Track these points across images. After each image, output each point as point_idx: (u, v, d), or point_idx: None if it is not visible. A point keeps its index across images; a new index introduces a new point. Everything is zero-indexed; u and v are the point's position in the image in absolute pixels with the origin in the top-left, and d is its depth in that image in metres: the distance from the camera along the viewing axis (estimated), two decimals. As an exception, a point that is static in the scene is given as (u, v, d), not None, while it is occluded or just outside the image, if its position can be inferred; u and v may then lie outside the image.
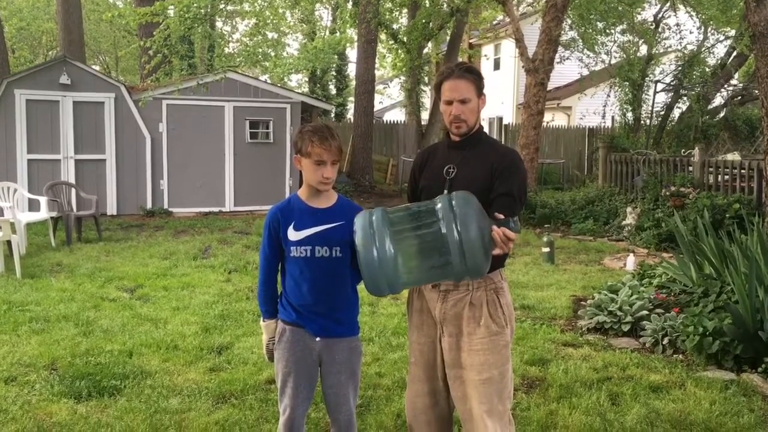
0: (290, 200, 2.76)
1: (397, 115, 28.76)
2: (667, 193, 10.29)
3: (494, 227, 2.29)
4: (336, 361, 2.73)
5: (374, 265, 2.25)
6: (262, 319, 2.83)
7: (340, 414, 2.76)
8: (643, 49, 16.16)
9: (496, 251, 2.30)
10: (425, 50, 19.75)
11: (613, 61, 16.72)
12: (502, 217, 2.34)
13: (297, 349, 2.71)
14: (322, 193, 2.72)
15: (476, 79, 2.72)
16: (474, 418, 2.60)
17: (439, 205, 2.30)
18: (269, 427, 3.60)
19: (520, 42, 12.59)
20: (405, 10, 18.57)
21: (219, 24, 25.34)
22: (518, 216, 2.59)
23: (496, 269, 2.64)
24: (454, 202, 2.28)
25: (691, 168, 10.80)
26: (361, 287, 2.90)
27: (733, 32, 15.05)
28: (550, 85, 13.96)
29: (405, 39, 16.75)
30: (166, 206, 12.76)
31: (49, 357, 4.65)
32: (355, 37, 19.57)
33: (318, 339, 2.71)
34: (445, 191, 2.65)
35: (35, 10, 26.20)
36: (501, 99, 24.49)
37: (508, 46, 21.71)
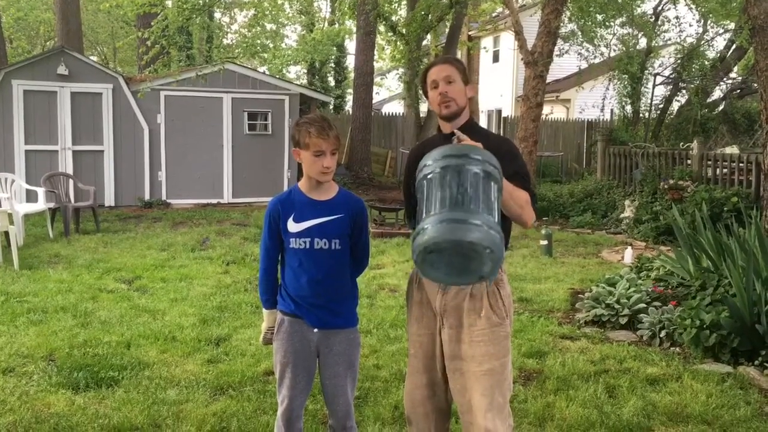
0: (291, 192, 2.77)
1: (396, 107, 28.70)
2: (666, 186, 10.29)
3: (455, 144, 2.37)
4: (334, 353, 2.74)
5: (489, 232, 2.13)
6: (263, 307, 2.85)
7: (337, 405, 2.77)
8: (643, 42, 16.11)
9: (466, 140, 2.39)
10: (424, 42, 19.69)
11: (613, 54, 16.69)
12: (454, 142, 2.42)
13: (295, 340, 2.72)
14: (323, 185, 2.72)
15: (460, 66, 2.76)
16: (473, 410, 2.60)
17: (435, 169, 2.26)
18: (267, 419, 3.61)
19: (519, 34, 12.55)
20: (404, 2, 18.50)
21: (217, 15, 25.22)
22: (532, 189, 2.63)
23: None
24: (439, 155, 2.28)
25: (689, 161, 10.80)
26: (359, 279, 2.91)
27: (732, 25, 15.02)
28: (549, 78, 13.91)
29: (404, 31, 16.68)
30: (164, 198, 12.74)
31: (47, 348, 4.66)
32: (354, 29, 19.53)
33: (316, 330, 2.71)
34: None
35: (33, 0, 26.08)
36: (500, 91, 24.45)
37: (508, 39, 21.68)
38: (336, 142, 2.65)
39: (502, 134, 18.20)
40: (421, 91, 2.94)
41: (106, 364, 4.36)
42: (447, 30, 19.00)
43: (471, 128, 2.74)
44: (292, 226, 2.69)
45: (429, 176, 2.26)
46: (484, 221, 2.13)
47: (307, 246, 2.68)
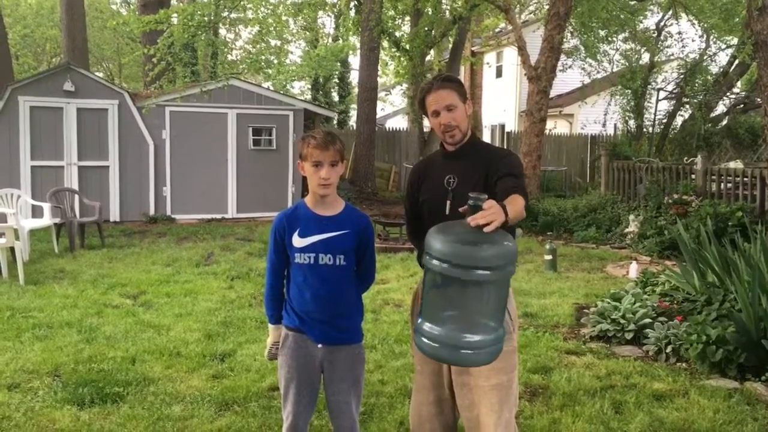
0: (296, 207, 2.78)
1: (400, 123, 28.80)
2: (670, 201, 10.28)
3: (469, 221, 2.13)
4: (338, 368, 2.73)
5: (479, 353, 2.17)
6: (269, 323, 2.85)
7: (342, 421, 2.77)
8: (646, 57, 16.17)
9: (489, 227, 2.11)
10: (428, 58, 19.79)
11: (615, 69, 16.74)
12: (464, 209, 2.20)
13: (299, 356, 2.72)
14: (328, 200, 2.72)
15: (457, 86, 2.70)
16: (481, 426, 2.59)
17: (435, 268, 2.14)
18: (272, 435, 3.60)
19: (522, 50, 12.62)
20: (408, 18, 18.62)
21: (222, 31, 25.41)
22: (524, 186, 2.53)
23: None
24: (435, 254, 2.13)
25: (693, 176, 10.80)
26: (365, 295, 2.91)
27: (735, 40, 15.07)
28: (553, 93, 13.99)
29: (407, 46, 16.79)
30: (168, 213, 12.77)
31: (53, 364, 4.66)
32: (358, 45, 19.63)
33: (320, 346, 2.71)
34: (448, 201, 2.66)
35: (39, 17, 26.33)
36: (503, 106, 24.52)
37: (511, 54, 21.75)
38: (336, 154, 2.64)
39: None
40: (418, 109, 2.90)
41: (111, 379, 4.36)
42: (450, 45, 19.10)
43: (474, 145, 2.75)
44: (297, 241, 2.70)
45: (437, 274, 2.14)
46: (481, 344, 2.15)
47: (312, 261, 2.68)
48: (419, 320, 2.25)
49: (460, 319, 2.14)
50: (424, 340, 2.19)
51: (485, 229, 2.10)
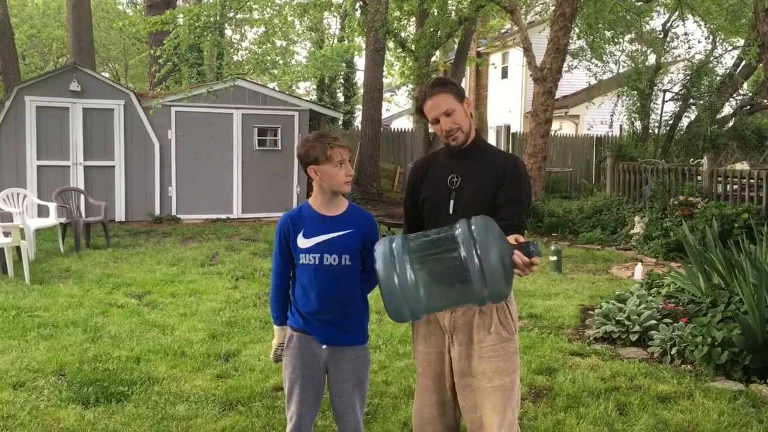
0: (301, 208, 2.78)
1: (405, 123, 28.78)
2: (676, 203, 10.25)
3: (515, 251, 2.24)
4: (342, 369, 2.73)
5: (396, 292, 2.19)
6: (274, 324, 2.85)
7: (346, 422, 2.77)
8: (652, 59, 16.14)
9: (520, 274, 2.26)
10: (433, 58, 19.77)
11: (622, 70, 16.71)
12: (522, 240, 2.32)
13: (304, 357, 2.72)
14: (334, 201, 2.73)
15: (451, 88, 2.69)
16: (485, 427, 2.59)
17: (458, 231, 2.24)
18: (276, 435, 3.60)
19: (528, 51, 12.61)
20: (413, 19, 18.61)
21: (228, 32, 25.47)
22: (525, 219, 2.61)
23: None
24: (473, 227, 2.22)
25: (699, 177, 10.76)
26: (370, 295, 2.91)
27: (741, 42, 15.03)
28: (558, 94, 13.97)
29: (413, 47, 16.76)
30: (174, 213, 12.80)
31: (57, 363, 4.67)
32: (363, 45, 19.63)
33: (324, 347, 2.71)
34: (451, 201, 2.65)
35: (46, 18, 26.42)
36: (509, 107, 24.49)
37: (516, 55, 21.73)
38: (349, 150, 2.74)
39: (510, 150, 18.25)
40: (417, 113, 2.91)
41: (116, 379, 4.37)
42: (456, 46, 19.09)
43: (478, 145, 2.75)
44: (302, 242, 2.70)
45: (460, 232, 2.24)
46: (414, 299, 2.21)
47: (317, 262, 2.68)
48: (402, 238, 2.29)
49: (427, 276, 2.21)
50: (386, 254, 2.23)
51: (515, 272, 2.26)
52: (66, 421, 3.76)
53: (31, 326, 5.54)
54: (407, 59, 17.66)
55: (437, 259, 2.24)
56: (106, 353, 4.90)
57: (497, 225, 2.29)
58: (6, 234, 7.51)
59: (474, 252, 2.17)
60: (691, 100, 15.09)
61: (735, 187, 10.07)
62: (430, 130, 18.02)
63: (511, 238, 2.33)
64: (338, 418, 2.79)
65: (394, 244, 2.26)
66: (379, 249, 2.27)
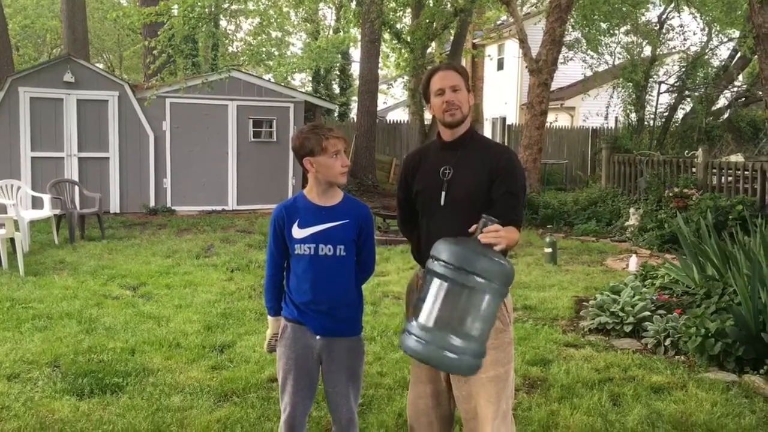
0: (296, 199, 2.78)
1: (400, 115, 28.74)
2: (670, 195, 10.27)
3: (479, 238, 2.31)
4: (336, 360, 2.73)
5: (461, 360, 2.26)
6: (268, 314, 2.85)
7: (340, 413, 2.77)
8: (647, 50, 16.12)
9: (497, 247, 2.32)
10: (429, 50, 19.72)
11: (617, 62, 16.70)
12: (474, 228, 2.37)
13: (298, 347, 2.72)
14: (329, 192, 2.73)
15: (464, 74, 2.74)
16: (479, 417, 2.60)
17: (440, 273, 2.28)
18: (270, 426, 3.61)
19: (523, 42, 12.58)
20: (409, 10, 18.55)
21: (223, 23, 25.33)
22: (521, 213, 2.64)
23: None
24: (444, 259, 2.28)
25: (694, 169, 10.78)
26: (365, 287, 2.91)
27: (736, 33, 15.02)
28: (554, 86, 13.94)
29: (408, 39, 16.73)
30: (169, 205, 12.78)
31: (52, 354, 4.67)
32: (359, 37, 19.58)
33: (318, 337, 2.71)
34: (443, 193, 2.65)
35: (40, 8, 26.24)
36: (504, 99, 24.47)
37: (512, 47, 21.68)
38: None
39: (506, 142, 18.25)
40: (422, 95, 2.93)
41: (111, 370, 4.37)
42: (452, 38, 19.05)
43: (471, 138, 2.74)
44: (297, 233, 2.69)
45: (435, 275, 2.30)
46: (463, 351, 2.25)
47: (312, 252, 2.68)
48: (410, 322, 2.34)
49: (449, 323, 2.26)
50: (412, 337, 2.29)
51: (495, 248, 2.30)
52: (60, 413, 3.76)
53: (26, 318, 5.53)
54: (403, 51, 17.63)
55: (452, 308, 2.27)
56: (100, 345, 4.90)
57: (450, 238, 2.36)
58: (0, 226, 7.48)
59: (466, 275, 2.23)
60: (687, 92, 15.08)
61: (730, 179, 10.09)
62: (426, 122, 18.02)
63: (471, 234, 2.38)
64: (332, 408, 2.79)
65: (414, 332, 2.30)
66: (410, 345, 2.30)
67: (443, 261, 2.28)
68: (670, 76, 15.74)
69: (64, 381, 4.18)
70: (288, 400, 2.74)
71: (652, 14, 16.67)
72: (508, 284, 2.33)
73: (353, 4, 18.71)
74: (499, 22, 25.26)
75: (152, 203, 12.64)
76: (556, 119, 21.06)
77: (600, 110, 16.04)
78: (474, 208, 2.55)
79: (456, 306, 2.25)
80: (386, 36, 17.86)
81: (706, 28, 15.70)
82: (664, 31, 16.00)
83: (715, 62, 15.89)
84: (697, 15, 15.19)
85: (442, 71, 2.71)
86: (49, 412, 3.78)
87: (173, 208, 12.77)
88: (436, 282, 2.29)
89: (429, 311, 2.28)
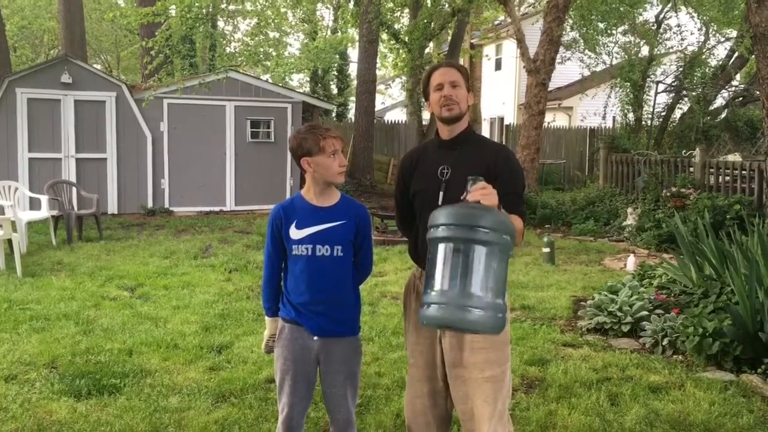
0: (293, 199, 2.78)
1: (398, 115, 28.75)
2: (668, 194, 10.28)
3: (468, 197, 2.31)
4: (334, 361, 2.73)
5: (488, 315, 2.22)
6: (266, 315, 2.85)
7: (338, 414, 2.77)
8: (645, 50, 16.15)
9: (486, 202, 2.28)
10: (426, 50, 19.73)
11: (615, 62, 16.72)
12: (463, 195, 2.36)
13: (295, 348, 2.72)
14: (327, 192, 2.72)
15: (465, 72, 2.74)
16: (476, 418, 2.60)
17: (447, 230, 2.27)
18: (268, 426, 3.61)
19: (521, 42, 12.59)
20: (406, 10, 18.56)
21: (220, 23, 25.32)
22: (523, 208, 2.65)
23: None
24: (445, 219, 2.27)
25: (692, 169, 10.79)
26: (362, 287, 2.91)
27: (734, 33, 15.04)
28: (552, 86, 13.96)
29: (406, 39, 16.74)
30: (167, 205, 12.77)
31: (50, 355, 4.66)
32: (357, 37, 19.58)
33: (316, 338, 2.71)
34: (441, 193, 2.65)
35: (37, 9, 26.21)
36: (502, 99, 24.48)
37: (510, 47, 21.70)
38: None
39: (504, 142, 18.26)
40: (422, 94, 2.93)
41: (108, 371, 4.36)
42: (449, 38, 19.06)
43: (469, 137, 2.74)
44: (294, 233, 2.69)
45: (439, 241, 2.28)
46: (485, 305, 2.21)
47: (309, 253, 2.67)
48: (425, 294, 2.30)
49: (464, 280, 2.22)
50: (431, 307, 2.25)
51: (484, 200, 2.27)
52: (58, 414, 3.75)
53: (23, 319, 5.52)
54: (401, 51, 17.64)
55: (464, 266, 2.24)
56: (98, 346, 4.89)
57: (441, 206, 2.36)
58: (-3, 227, 7.47)
59: (469, 230, 2.22)
60: (684, 92, 15.11)
61: (727, 178, 10.10)
62: (424, 122, 18.02)
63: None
64: (330, 409, 2.79)
65: (431, 300, 2.26)
66: (429, 314, 2.26)
67: (443, 224, 2.26)
68: (667, 76, 15.77)
69: (61, 382, 4.18)
70: (286, 400, 2.74)
71: (649, 14, 16.71)
72: (510, 234, 2.29)
73: (351, 5, 18.73)
74: (496, 22, 25.29)
75: (150, 204, 12.63)
76: (554, 119, 21.08)
77: (598, 110, 16.06)
78: None
79: (466, 262, 2.23)
80: (384, 36, 17.85)
81: (704, 28, 15.74)
82: (661, 30, 16.04)
83: (713, 62, 15.93)
84: (695, 15, 15.23)
85: (443, 68, 2.72)
86: (46, 413, 3.77)
87: (171, 208, 12.76)
88: (441, 246, 2.27)
89: (441, 275, 2.25)
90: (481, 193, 2.28)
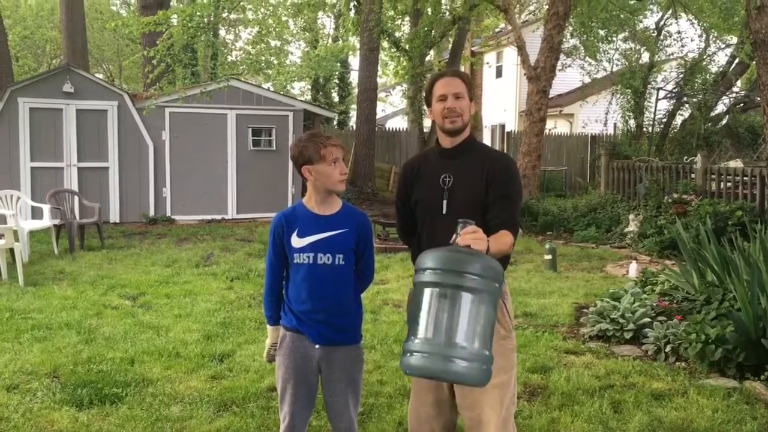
0: (295, 207, 2.78)
1: (400, 123, 28.79)
2: (670, 201, 10.27)
3: (456, 242, 2.26)
4: (335, 369, 2.72)
5: (473, 367, 2.18)
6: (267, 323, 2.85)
7: (340, 422, 2.76)
8: (645, 57, 16.17)
9: (476, 247, 2.24)
10: (427, 58, 19.79)
11: (615, 69, 16.74)
12: (453, 238, 2.31)
13: (296, 356, 2.71)
14: (328, 200, 2.72)
15: (468, 81, 2.75)
16: (483, 425, 2.60)
17: (434, 274, 2.23)
18: (271, 435, 3.60)
19: (522, 50, 12.63)
20: (407, 19, 18.62)
21: (222, 32, 25.40)
22: (517, 216, 2.62)
23: None
24: (435, 265, 2.22)
25: (693, 175, 10.79)
26: (364, 295, 2.90)
27: (734, 40, 15.07)
28: (552, 93, 14.00)
29: (407, 47, 16.79)
30: (168, 214, 12.78)
31: (51, 365, 4.65)
32: (358, 45, 19.64)
33: (317, 346, 2.70)
34: (444, 201, 2.65)
35: (39, 19, 26.34)
36: (503, 106, 24.52)
37: (510, 54, 21.75)
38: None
39: (505, 149, 18.27)
40: (424, 101, 2.93)
41: (110, 380, 4.36)
42: (450, 46, 19.11)
43: (471, 145, 2.75)
44: (296, 241, 2.69)
45: (425, 286, 2.24)
46: (470, 356, 2.16)
47: (311, 261, 2.67)
48: (407, 340, 2.25)
49: (449, 329, 2.17)
50: (414, 356, 2.19)
51: (471, 246, 2.23)
52: (60, 423, 3.75)
53: (25, 328, 5.52)
54: (401, 59, 17.70)
55: (449, 313, 2.19)
56: (100, 355, 4.89)
57: (429, 249, 2.32)
58: (-1, 236, 7.49)
59: (456, 275, 2.17)
60: (685, 98, 15.12)
61: (729, 184, 10.10)
62: (425, 130, 18.05)
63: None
64: (332, 417, 2.78)
65: (414, 348, 2.21)
66: (413, 363, 2.21)
67: (430, 268, 2.21)
68: (668, 83, 15.79)
69: (63, 392, 4.17)
70: (287, 409, 2.73)
71: (649, 21, 16.74)
72: (499, 280, 2.25)
73: (352, 13, 18.78)
74: (497, 30, 25.35)
75: (152, 212, 12.64)
76: (555, 126, 21.11)
77: (599, 117, 16.08)
78: (475, 216, 2.55)
79: (452, 310, 2.17)
80: (385, 44, 17.92)
81: (704, 35, 15.75)
82: (662, 37, 16.06)
83: (713, 68, 15.94)
84: (695, 21, 15.25)
85: (446, 78, 2.72)
86: (48, 423, 3.76)
87: (173, 217, 12.77)
88: (426, 292, 2.22)
89: (425, 323, 2.20)
90: (472, 237, 2.24)
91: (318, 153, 2.63)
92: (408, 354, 2.21)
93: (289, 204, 12.51)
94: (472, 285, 2.16)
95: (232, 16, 17.45)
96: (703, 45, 16.00)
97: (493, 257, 2.30)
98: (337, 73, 26.81)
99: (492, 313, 2.23)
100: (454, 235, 2.30)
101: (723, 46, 16.03)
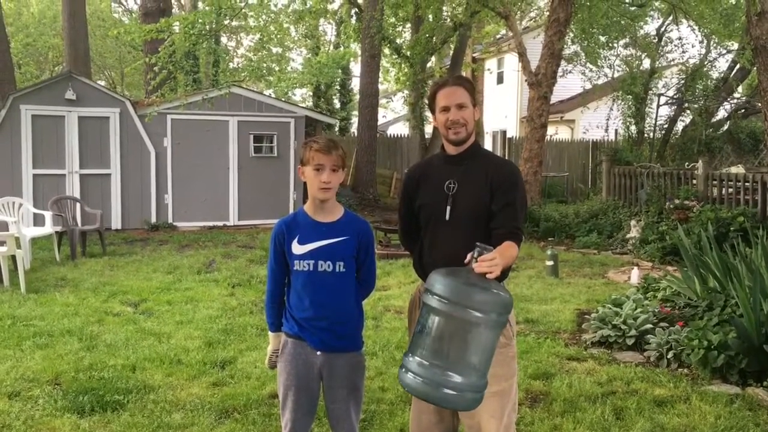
0: (296, 214, 2.78)
1: (401, 129, 28.83)
2: (671, 206, 10.27)
3: (473, 267, 2.27)
4: (337, 376, 2.72)
5: (463, 396, 2.22)
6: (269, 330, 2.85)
7: (342, 429, 2.76)
8: (646, 63, 16.19)
9: (490, 275, 2.27)
10: (428, 64, 19.83)
11: (616, 75, 16.76)
12: (468, 258, 2.33)
13: (298, 363, 2.71)
14: (327, 207, 2.72)
15: (471, 90, 2.74)
16: None
17: (434, 308, 2.25)
18: (272, 442, 3.60)
19: (523, 56, 12.65)
20: (408, 25, 18.67)
21: (224, 39, 25.47)
22: (521, 224, 2.63)
23: (500, 282, 2.64)
24: (439, 292, 2.24)
25: (695, 181, 10.78)
26: (366, 302, 2.90)
27: (735, 46, 15.09)
28: (554, 99, 14.01)
29: (408, 53, 16.83)
30: (170, 220, 12.78)
31: (53, 372, 4.65)
32: (359, 52, 19.67)
33: (319, 353, 2.70)
34: (447, 208, 2.65)
35: (41, 26, 26.40)
36: (504, 112, 24.53)
37: (511, 60, 21.79)
38: (338, 159, 2.66)
39: (506, 155, 18.27)
40: (428, 107, 2.93)
41: (112, 387, 4.35)
42: (451, 52, 19.15)
43: (476, 151, 2.75)
44: (297, 248, 2.69)
45: (431, 311, 2.26)
46: (464, 387, 2.21)
47: (311, 268, 2.67)
48: (406, 356, 2.31)
49: (447, 359, 2.22)
50: (409, 374, 2.25)
51: (488, 276, 2.25)
52: (61, 431, 3.75)
53: (27, 335, 5.52)
54: (403, 65, 17.75)
55: (450, 344, 2.23)
56: (101, 362, 4.89)
57: (443, 269, 2.33)
58: (1, 243, 7.49)
59: (463, 309, 2.19)
60: (686, 104, 15.13)
61: (730, 190, 10.09)
62: (426, 136, 18.07)
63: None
64: (333, 424, 2.78)
65: (412, 368, 2.25)
66: (409, 382, 2.26)
67: (438, 295, 2.23)
68: (669, 89, 15.80)
69: (65, 399, 4.17)
70: (289, 416, 2.73)
71: (650, 27, 16.77)
72: (506, 314, 2.28)
73: (353, 20, 18.84)
74: (498, 36, 25.38)
75: (153, 219, 12.64)
76: (557, 132, 21.11)
77: (600, 123, 16.08)
78: (478, 223, 2.56)
79: (453, 341, 2.21)
80: (386, 51, 17.98)
81: (705, 41, 15.77)
82: (662, 43, 16.08)
83: (714, 74, 15.95)
84: (696, 27, 15.26)
85: (449, 87, 2.70)
86: (49, 430, 3.76)
87: (175, 223, 12.77)
88: (432, 318, 2.25)
89: (426, 347, 2.24)
90: (488, 265, 2.26)
91: (305, 155, 2.65)
92: (404, 370, 2.27)
93: (291, 211, 12.52)
94: (479, 322, 2.19)
95: (234, 23, 17.49)
96: (703, 51, 16.02)
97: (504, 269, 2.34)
98: (338, 79, 26.86)
99: (494, 342, 2.28)
100: (470, 257, 2.31)
101: (724, 52, 16.05)
